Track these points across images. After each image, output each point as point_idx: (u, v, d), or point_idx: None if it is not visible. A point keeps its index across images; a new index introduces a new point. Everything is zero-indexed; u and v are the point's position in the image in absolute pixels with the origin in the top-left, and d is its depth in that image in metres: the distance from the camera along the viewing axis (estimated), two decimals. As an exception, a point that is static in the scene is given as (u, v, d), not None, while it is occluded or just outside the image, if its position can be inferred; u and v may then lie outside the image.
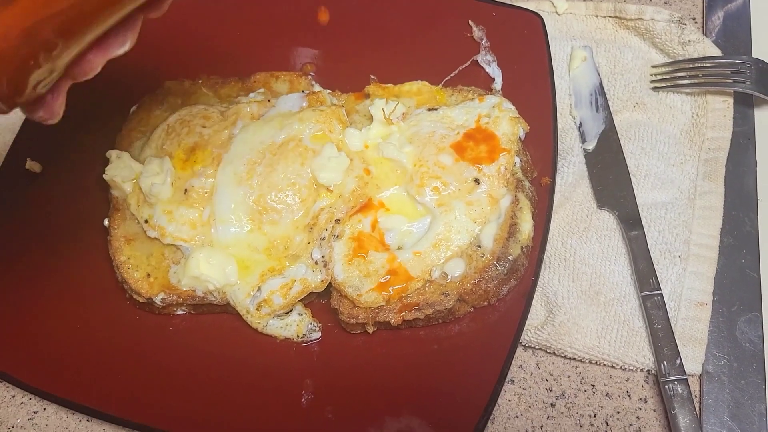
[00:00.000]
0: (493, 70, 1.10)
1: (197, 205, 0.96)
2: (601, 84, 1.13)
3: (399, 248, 0.94)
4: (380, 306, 0.90)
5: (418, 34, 1.13)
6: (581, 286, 0.97)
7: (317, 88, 1.08)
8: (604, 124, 1.09)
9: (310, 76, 1.10)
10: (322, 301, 0.96)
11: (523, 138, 1.01)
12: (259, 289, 0.91)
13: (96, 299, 0.96)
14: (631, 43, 1.18)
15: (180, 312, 0.96)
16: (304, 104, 1.03)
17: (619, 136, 1.08)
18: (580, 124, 1.10)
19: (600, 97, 1.11)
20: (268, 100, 1.03)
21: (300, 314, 0.94)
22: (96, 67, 0.62)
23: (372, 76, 1.10)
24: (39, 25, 0.53)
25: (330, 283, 0.93)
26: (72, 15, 0.54)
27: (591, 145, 1.08)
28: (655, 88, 1.13)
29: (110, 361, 0.92)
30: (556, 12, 1.22)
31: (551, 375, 0.94)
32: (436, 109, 1.03)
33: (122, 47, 0.62)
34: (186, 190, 0.96)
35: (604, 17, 1.20)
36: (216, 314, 0.96)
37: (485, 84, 1.09)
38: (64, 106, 0.62)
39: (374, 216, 0.95)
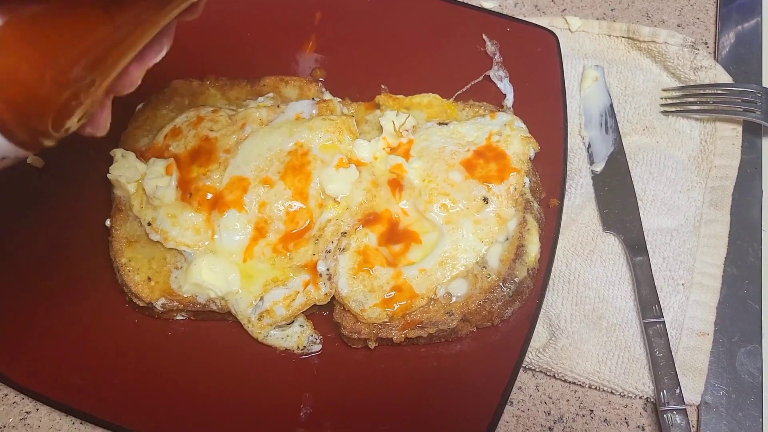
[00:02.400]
0: (505, 86, 1.09)
1: (201, 210, 0.95)
2: (611, 105, 1.12)
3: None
4: (383, 322, 0.90)
5: (430, 45, 1.12)
6: (584, 310, 0.97)
7: (327, 96, 1.07)
8: (613, 147, 1.08)
9: (320, 83, 1.08)
10: (323, 313, 0.95)
11: (532, 158, 1.00)
12: (261, 299, 0.90)
13: (94, 300, 0.95)
14: (642, 65, 1.17)
15: (180, 317, 0.94)
16: (314, 112, 1.02)
17: (628, 159, 1.08)
18: (589, 145, 1.10)
19: (610, 119, 1.11)
20: (278, 106, 1.02)
21: (301, 326, 0.93)
22: (136, 80, 0.60)
23: (383, 86, 1.09)
24: (69, 68, 0.51)
25: (333, 296, 0.92)
26: (103, 48, 0.52)
27: (599, 167, 1.07)
28: (665, 112, 1.13)
29: (106, 365, 0.91)
30: (569, 29, 1.21)
31: (550, 398, 0.94)
32: (446, 124, 1.02)
33: (159, 54, 0.61)
34: (191, 194, 0.95)
35: (617, 37, 1.20)
36: (216, 321, 0.94)
37: (496, 100, 1.09)
38: (110, 118, 0.60)
39: (382, 228, 0.94)
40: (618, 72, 1.17)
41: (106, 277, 0.96)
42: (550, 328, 0.96)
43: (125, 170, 0.96)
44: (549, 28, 1.11)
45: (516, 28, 1.11)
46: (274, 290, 0.91)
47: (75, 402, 0.88)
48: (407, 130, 1.01)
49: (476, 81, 1.09)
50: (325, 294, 0.91)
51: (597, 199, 1.05)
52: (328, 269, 0.91)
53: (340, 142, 0.98)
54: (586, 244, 1.02)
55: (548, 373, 0.95)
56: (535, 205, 0.97)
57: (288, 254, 0.93)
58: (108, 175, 0.96)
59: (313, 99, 1.03)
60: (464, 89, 1.08)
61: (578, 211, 1.04)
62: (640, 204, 1.04)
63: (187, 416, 0.88)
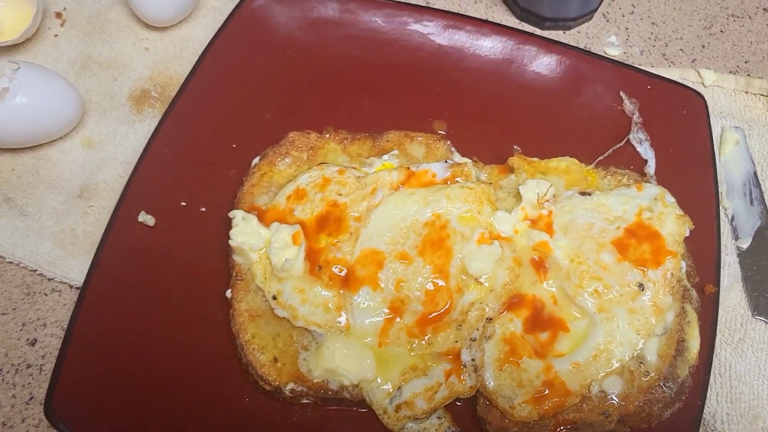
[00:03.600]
0: (645, 151, 1.01)
1: (332, 285, 0.87)
2: (755, 173, 1.04)
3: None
4: (533, 421, 0.82)
5: (562, 101, 1.05)
6: (740, 409, 0.90)
7: (457, 156, 0.99)
8: (760, 220, 1.01)
9: (448, 142, 1.00)
10: (457, 403, 0.87)
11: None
12: (399, 388, 0.83)
13: (215, 377, 0.87)
14: (784, 127, 1.09)
15: (305, 400, 0.87)
16: (447, 175, 0.94)
17: (774, 234, 1.00)
18: (733, 218, 1.02)
19: (754, 188, 1.03)
20: (408, 168, 0.94)
21: (439, 418, 0.85)
22: None
23: (516, 147, 1.01)
24: None
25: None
26: None
27: (745, 243, 1.00)
28: (810, 183, 1.05)
29: (227, 450, 0.84)
30: (702, 84, 1.13)
31: (703, 504, 0.87)
32: (589, 194, 0.94)
33: None
34: (320, 266, 0.87)
35: (755, 95, 1.12)
36: (344, 407, 0.87)
37: (634, 163, 1.01)
38: None
39: (526, 313, 0.87)
40: (759, 134, 1.09)
41: (226, 351, 0.88)
42: (704, 428, 0.89)
43: (248, 236, 0.89)
44: (696, 90, 1.03)
45: (657, 86, 1.03)
46: (415, 380, 0.83)
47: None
48: (548, 201, 0.93)
49: (618, 146, 1.01)
50: (470, 387, 0.83)
51: (744, 280, 0.98)
52: (473, 360, 0.84)
53: (480, 213, 0.90)
54: (735, 330, 0.94)
55: (703, 478, 0.88)
56: (693, 293, 0.89)
57: (426, 339, 0.86)
58: (230, 242, 0.88)
59: (446, 161, 0.95)
60: (606, 154, 1.00)
61: (725, 293, 0.96)
62: (791, 287, 0.97)
63: None
